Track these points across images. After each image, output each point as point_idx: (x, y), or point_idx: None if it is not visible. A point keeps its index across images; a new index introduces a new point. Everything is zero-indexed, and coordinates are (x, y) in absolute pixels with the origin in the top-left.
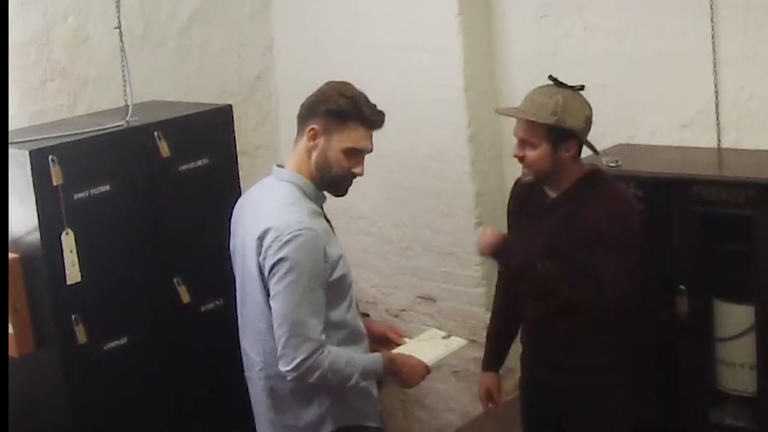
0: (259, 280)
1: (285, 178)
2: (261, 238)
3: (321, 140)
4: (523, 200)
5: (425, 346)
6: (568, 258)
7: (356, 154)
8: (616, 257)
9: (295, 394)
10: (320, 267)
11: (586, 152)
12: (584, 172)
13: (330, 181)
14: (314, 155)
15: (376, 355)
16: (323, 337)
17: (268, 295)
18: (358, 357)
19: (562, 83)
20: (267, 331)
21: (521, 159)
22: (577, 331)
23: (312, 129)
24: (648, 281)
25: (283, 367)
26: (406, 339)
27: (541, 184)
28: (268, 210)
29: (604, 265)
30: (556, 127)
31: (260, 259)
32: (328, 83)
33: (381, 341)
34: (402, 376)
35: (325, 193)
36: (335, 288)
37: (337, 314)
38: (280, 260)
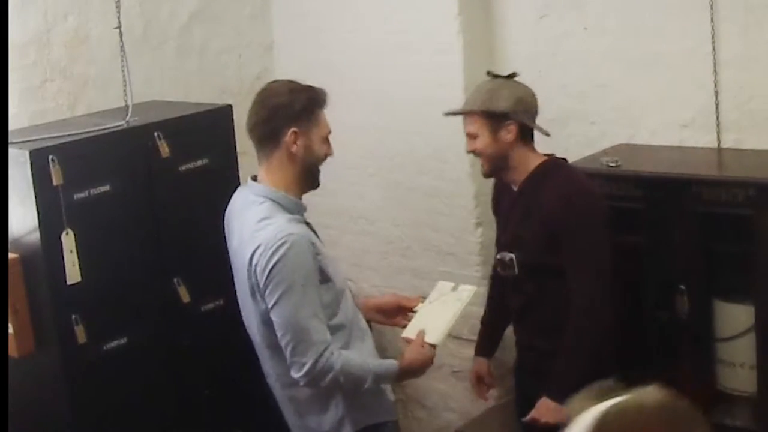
0: (251, 298)
1: (261, 194)
2: (251, 259)
3: (302, 139)
4: (498, 197)
5: (438, 308)
6: (531, 248)
7: (328, 138)
8: (583, 250)
9: (314, 399)
10: (310, 268)
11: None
12: (540, 161)
13: (314, 174)
14: (301, 155)
15: (392, 362)
16: (328, 336)
17: (261, 311)
18: (372, 362)
19: (496, 75)
20: (262, 344)
21: (474, 153)
22: (550, 319)
23: (294, 132)
24: (648, 281)
25: (294, 374)
26: (419, 304)
27: (501, 177)
28: (249, 231)
29: (576, 269)
30: (488, 111)
31: (252, 280)
32: (270, 89)
33: (396, 313)
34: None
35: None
36: (329, 292)
37: (337, 319)
38: (270, 272)
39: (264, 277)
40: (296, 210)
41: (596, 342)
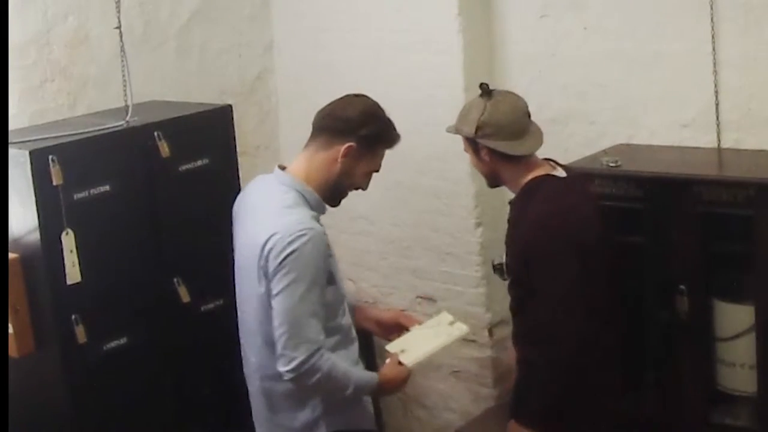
0: (257, 282)
1: (288, 184)
2: (264, 244)
3: (351, 159)
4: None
5: (429, 335)
6: (512, 262)
7: (371, 174)
8: (544, 278)
9: (290, 396)
10: (321, 267)
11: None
12: (530, 178)
13: (337, 194)
14: (338, 168)
15: (372, 375)
16: (322, 338)
17: (267, 296)
18: (356, 372)
19: (483, 88)
20: (259, 331)
21: None
22: (527, 330)
23: (350, 146)
24: (648, 281)
25: (281, 367)
26: (416, 325)
27: (505, 187)
28: (268, 214)
29: (541, 295)
30: (461, 134)
31: (261, 263)
32: (359, 100)
33: (392, 329)
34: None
35: None
36: (333, 294)
37: (336, 320)
38: (283, 260)
39: (276, 264)
40: (317, 208)
41: (560, 372)
